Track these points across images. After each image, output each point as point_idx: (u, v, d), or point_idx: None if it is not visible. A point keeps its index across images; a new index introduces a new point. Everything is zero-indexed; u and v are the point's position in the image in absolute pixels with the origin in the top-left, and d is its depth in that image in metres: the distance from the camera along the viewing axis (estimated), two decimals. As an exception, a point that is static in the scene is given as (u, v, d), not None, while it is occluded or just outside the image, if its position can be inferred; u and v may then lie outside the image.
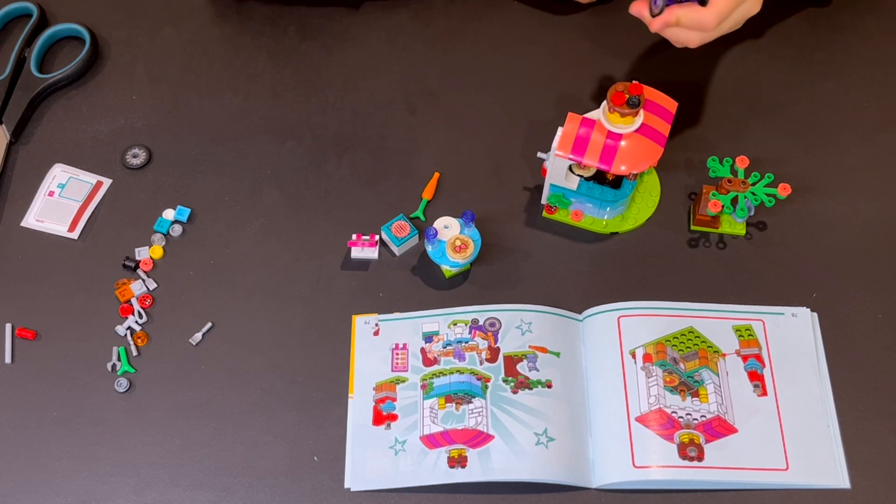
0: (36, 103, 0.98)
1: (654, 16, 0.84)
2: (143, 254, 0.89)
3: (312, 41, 1.01)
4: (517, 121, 0.96)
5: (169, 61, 1.00)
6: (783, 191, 0.85)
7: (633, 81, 0.81)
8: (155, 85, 0.99)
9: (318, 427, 0.82)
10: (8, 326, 0.86)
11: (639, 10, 0.85)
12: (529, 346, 0.83)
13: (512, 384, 0.81)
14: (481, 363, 0.82)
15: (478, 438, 0.79)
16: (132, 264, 0.88)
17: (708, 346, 0.83)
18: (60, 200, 0.92)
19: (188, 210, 0.91)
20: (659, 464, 0.77)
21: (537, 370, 0.82)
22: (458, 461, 0.78)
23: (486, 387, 0.81)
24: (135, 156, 0.95)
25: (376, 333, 0.85)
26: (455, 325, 0.84)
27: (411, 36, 1.02)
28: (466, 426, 0.79)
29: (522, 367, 0.82)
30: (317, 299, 0.87)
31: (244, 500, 0.79)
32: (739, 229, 0.89)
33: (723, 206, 0.86)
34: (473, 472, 0.77)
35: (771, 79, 0.98)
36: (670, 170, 0.92)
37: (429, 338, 0.84)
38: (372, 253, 0.89)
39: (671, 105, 0.84)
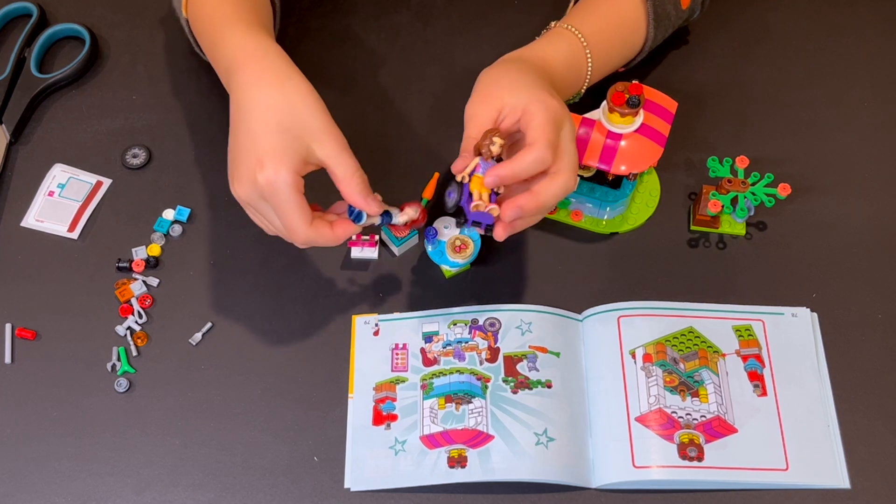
0: (36, 103, 0.98)
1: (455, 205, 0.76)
2: (139, 253, 0.89)
3: (312, 41, 1.01)
4: (517, 121, 0.96)
5: (169, 61, 1.00)
6: (783, 191, 0.85)
7: (633, 81, 0.81)
8: (155, 85, 0.99)
9: (318, 427, 0.82)
10: (8, 326, 0.86)
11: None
12: (529, 346, 0.83)
13: (512, 384, 0.81)
14: (481, 363, 0.82)
15: (478, 438, 0.79)
16: (125, 265, 0.88)
17: (708, 346, 0.83)
18: (60, 200, 0.92)
19: (188, 210, 0.91)
20: (659, 464, 0.77)
21: (537, 370, 0.82)
22: (458, 461, 0.78)
23: (486, 387, 0.81)
24: (135, 156, 0.95)
25: (376, 333, 0.85)
26: (455, 325, 0.84)
27: (411, 36, 1.02)
28: (466, 426, 0.79)
29: (522, 367, 0.82)
30: (317, 299, 0.87)
31: (244, 500, 0.79)
32: (739, 229, 0.89)
33: (723, 206, 0.86)
34: (473, 472, 0.77)
35: (771, 79, 0.98)
36: (670, 170, 0.92)
37: (429, 338, 0.84)
38: (372, 253, 0.89)
39: (671, 105, 0.84)
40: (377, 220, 0.78)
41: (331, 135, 0.74)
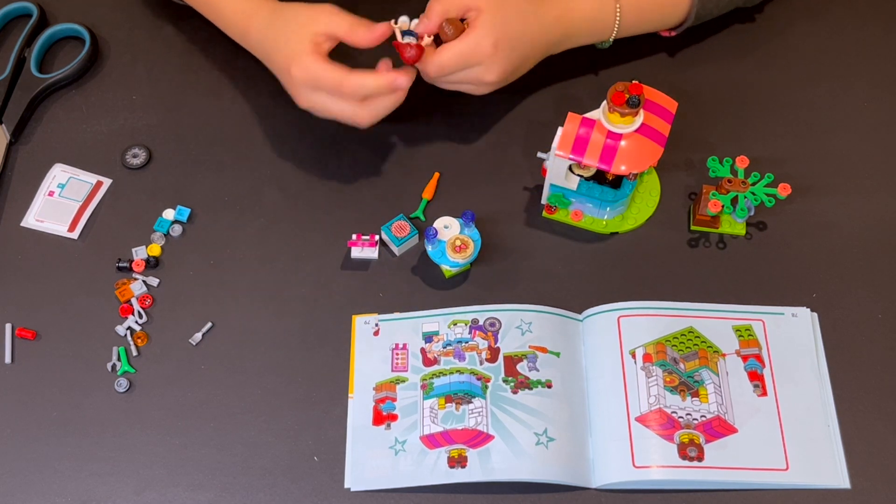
0: (36, 103, 0.98)
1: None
2: (139, 253, 0.89)
3: (312, 41, 1.01)
4: (517, 121, 0.96)
5: (169, 61, 1.00)
6: (783, 191, 0.85)
7: (633, 81, 0.81)
8: (155, 85, 0.99)
9: (318, 427, 0.82)
10: (8, 326, 0.86)
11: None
12: (529, 346, 0.83)
13: (512, 384, 0.81)
14: (481, 363, 0.82)
15: (478, 438, 0.79)
16: (125, 265, 0.88)
17: (708, 346, 0.83)
18: (60, 200, 0.92)
19: (188, 210, 0.91)
20: (659, 464, 0.77)
21: (537, 370, 0.82)
22: (458, 461, 0.78)
23: (486, 387, 0.81)
24: (135, 156, 0.95)
25: (376, 333, 0.85)
26: (455, 325, 0.84)
27: (411, 36, 1.02)
28: (466, 426, 0.79)
29: (522, 367, 0.82)
30: (317, 299, 0.87)
31: (244, 500, 0.79)
32: (739, 229, 0.89)
33: (723, 206, 0.86)
34: (473, 472, 0.77)
35: (771, 79, 0.98)
36: (670, 170, 0.92)
37: (429, 338, 0.84)
38: (372, 253, 0.89)
39: (671, 105, 0.84)
40: (400, 36, 0.85)
41: (322, 11, 0.85)
